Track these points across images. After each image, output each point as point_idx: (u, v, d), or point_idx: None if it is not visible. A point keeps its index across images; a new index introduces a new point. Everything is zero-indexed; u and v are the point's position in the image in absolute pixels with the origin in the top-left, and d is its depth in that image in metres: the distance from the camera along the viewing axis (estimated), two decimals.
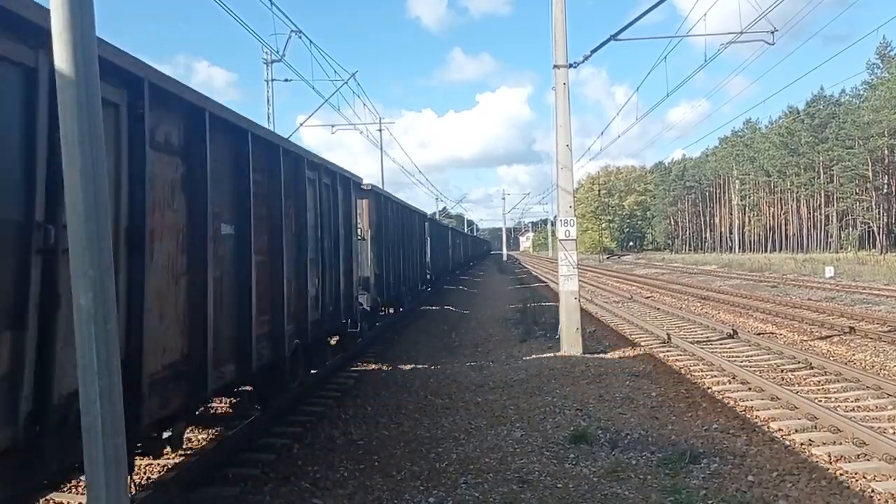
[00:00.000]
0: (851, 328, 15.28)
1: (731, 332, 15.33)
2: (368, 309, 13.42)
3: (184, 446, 6.27)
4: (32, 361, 3.38)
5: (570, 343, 13.45)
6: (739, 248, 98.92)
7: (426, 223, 24.65)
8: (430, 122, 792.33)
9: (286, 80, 25.06)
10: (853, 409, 8.71)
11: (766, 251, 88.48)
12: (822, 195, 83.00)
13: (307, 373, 8.91)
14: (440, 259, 30.19)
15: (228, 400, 7.24)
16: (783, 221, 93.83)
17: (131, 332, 4.27)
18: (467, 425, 8.34)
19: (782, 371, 11.18)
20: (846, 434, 7.40)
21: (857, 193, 75.34)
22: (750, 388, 9.81)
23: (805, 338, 14.85)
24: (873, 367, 11.47)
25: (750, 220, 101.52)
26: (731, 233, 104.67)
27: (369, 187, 14.07)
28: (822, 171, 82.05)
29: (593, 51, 14.48)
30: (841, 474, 6.28)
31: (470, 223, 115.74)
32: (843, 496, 5.78)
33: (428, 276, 24.65)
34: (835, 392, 9.65)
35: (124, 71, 4.20)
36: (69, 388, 3.56)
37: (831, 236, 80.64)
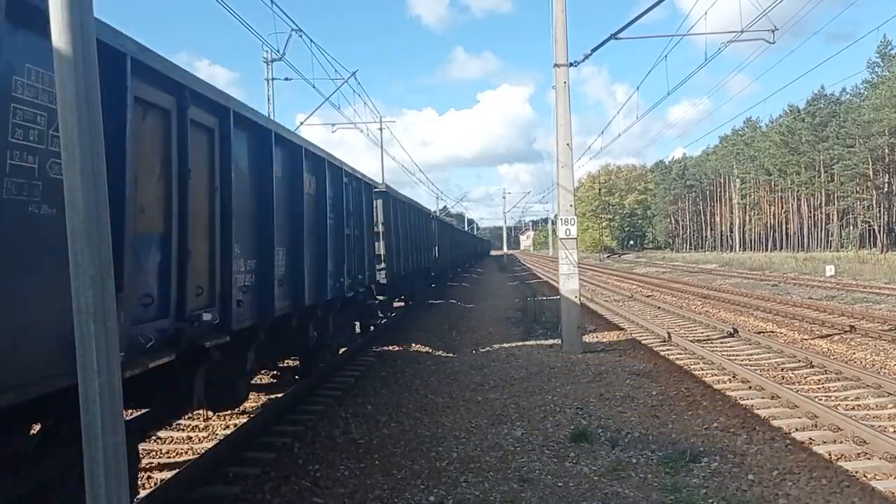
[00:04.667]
0: (852, 327, 15.27)
1: (732, 330, 15.33)
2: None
3: None
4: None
5: (571, 342, 13.45)
6: (740, 246, 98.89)
7: (377, 200, 14.51)
8: (431, 120, 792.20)
9: (287, 79, 25.07)
10: (853, 408, 8.71)
11: (766, 250, 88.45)
12: (823, 194, 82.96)
13: None
14: (411, 264, 19.24)
15: None
16: (784, 220, 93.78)
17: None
18: (468, 424, 8.34)
19: (783, 370, 11.17)
20: (846, 433, 7.40)
21: (857, 192, 75.33)
22: (750, 387, 9.81)
23: (805, 336, 14.84)
24: (873, 365, 11.46)
25: (750, 219, 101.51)
26: (731, 231, 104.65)
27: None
28: (822, 169, 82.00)
29: (594, 49, 14.48)
30: (841, 473, 6.27)
31: (471, 222, 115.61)
32: (843, 495, 5.78)
33: (377, 302, 14.25)
34: (835, 391, 9.64)
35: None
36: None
37: (832, 235, 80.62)
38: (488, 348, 14.43)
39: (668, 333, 15.01)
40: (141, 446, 6.72)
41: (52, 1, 2.79)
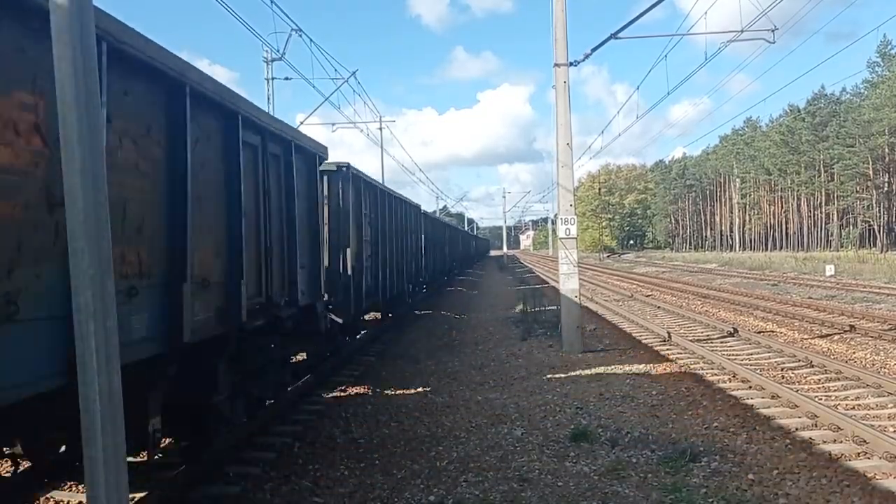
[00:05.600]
0: (852, 326, 15.27)
1: (732, 330, 15.32)
2: None
3: None
4: None
5: (571, 341, 13.45)
6: (740, 246, 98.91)
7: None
8: (431, 120, 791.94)
9: (287, 79, 25.04)
10: (853, 408, 8.70)
11: (766, 249, 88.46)
12: (823, 193, 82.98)
13: None
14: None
15: None
16: (784, 220, 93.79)
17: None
18: (468, 424, 8.34)
19: (783, 369, 11.17)
20: (846, 432, 7.39)
21: (857, 192, 75.35)
22: (750, 387, 9.80)
23: (805, 336, 14.84)
24: (873, 365, 11.46)
25: (750, 219, 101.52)
26: (731, 231, 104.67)
27: None
28: (822, 169, 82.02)
29: (594, 49, 14.48)
30: (841, 472, 6.27)
31: (471, 221, 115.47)
32: (843, 495, 5.78)
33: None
34: (835, 390, 9.64)
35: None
36: None
37: (832, 235, 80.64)
38: (488, 347, 14.42)
39: (668, 333, 15.01)
40: None
41: (52, 1, 2.80)
